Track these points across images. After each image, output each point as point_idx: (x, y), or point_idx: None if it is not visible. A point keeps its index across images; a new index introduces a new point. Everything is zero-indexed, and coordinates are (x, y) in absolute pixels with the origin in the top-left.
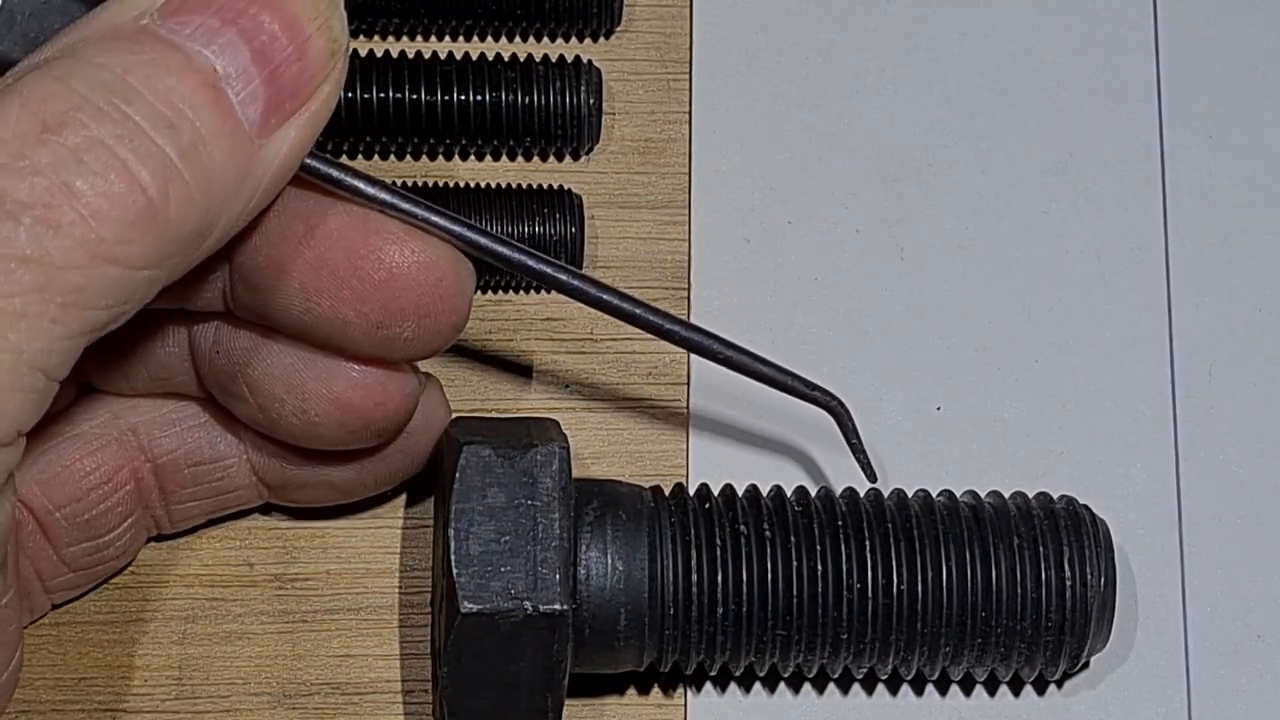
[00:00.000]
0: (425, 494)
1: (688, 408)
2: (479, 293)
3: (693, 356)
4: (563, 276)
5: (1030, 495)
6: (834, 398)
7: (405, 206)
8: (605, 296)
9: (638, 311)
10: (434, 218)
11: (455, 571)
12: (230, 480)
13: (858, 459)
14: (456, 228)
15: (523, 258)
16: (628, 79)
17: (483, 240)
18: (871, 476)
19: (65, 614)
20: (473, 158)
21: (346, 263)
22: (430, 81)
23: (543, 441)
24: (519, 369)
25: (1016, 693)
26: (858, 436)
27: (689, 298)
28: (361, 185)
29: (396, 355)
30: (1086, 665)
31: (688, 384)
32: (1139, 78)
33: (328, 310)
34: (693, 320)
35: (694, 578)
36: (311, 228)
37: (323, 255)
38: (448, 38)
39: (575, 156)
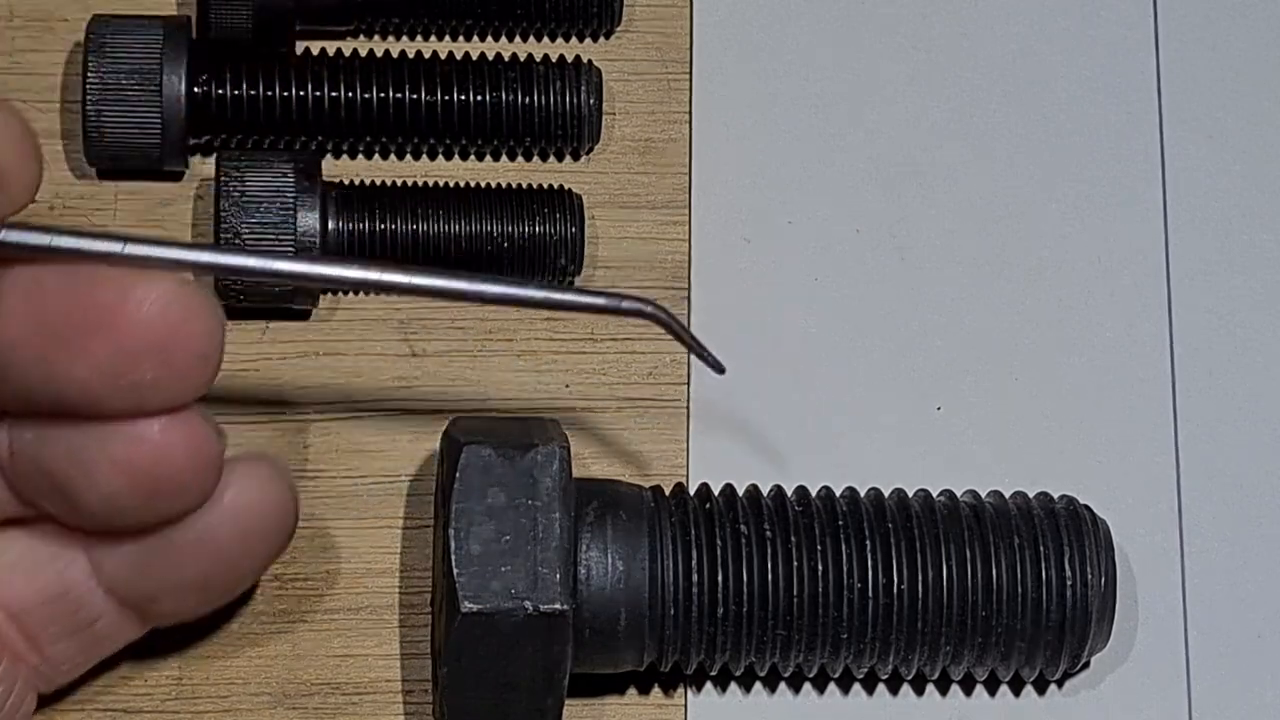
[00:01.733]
0: (425, 494)
1: (688, 408)
2: None
3: (693, 357)
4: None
5: (1030, 495)
6: (646, 302)
7: (108, 250)
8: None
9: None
10: (150, 252)
11: (455, 571)
12: (89, 609)
13: (696, 353)
14: (173, 254)
15: (258, 262)
16: (628, 79)
17: (202, 257)
18: (718, 367)
19: None
20: (473, 158)
21: (63, 317)
22: (430, 81)
23: (543, 441)
24: (519, 369)
25: (1016, 693)
26: (688, 331)
27: (689, 298)
28: (67, 243)
29: (153, 403)
30: (1087, 665)
31: (688, 384)
32: (1139, 78)
33: (64, 370)
34: (693, 321)
35: (694, 578)
36: (25, 294)
37: (40, 318)
38: (448, 38)
39: (575, 156)
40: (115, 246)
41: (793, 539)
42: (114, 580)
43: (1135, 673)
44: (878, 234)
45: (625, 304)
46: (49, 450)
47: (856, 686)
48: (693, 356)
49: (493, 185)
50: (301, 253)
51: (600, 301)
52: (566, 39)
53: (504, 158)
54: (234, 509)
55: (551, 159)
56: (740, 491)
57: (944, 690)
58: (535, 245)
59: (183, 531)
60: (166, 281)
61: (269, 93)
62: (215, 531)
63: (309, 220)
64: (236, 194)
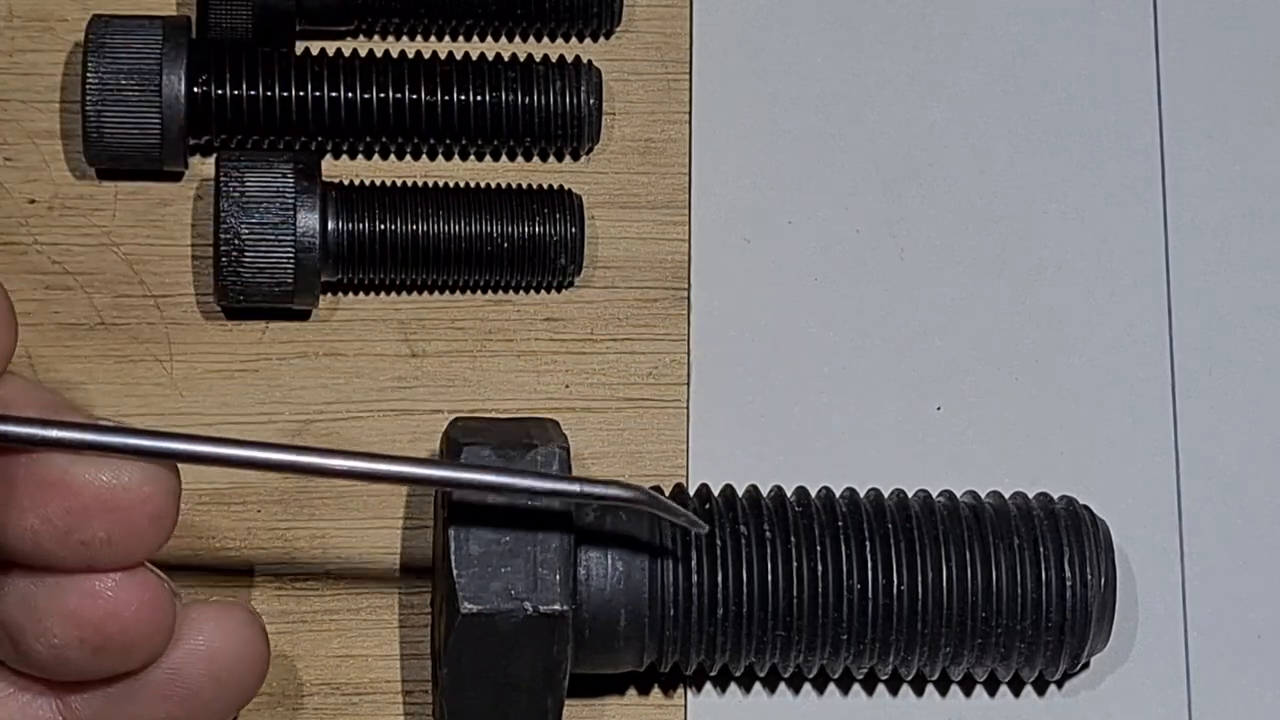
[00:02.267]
0: (425, 494)
1: (688, 408)
2: (480, 293)
3: (693, 356)
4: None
5: (1030, 495)
6: (631, 489)
7: (91, 439)
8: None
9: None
10: (113, 440)
11: (455, 572)
12: None
13: (679, 522)
14: (138, 442)
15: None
16: (628, 79)
17: (158, 444)
18: (701, 526)
19: None
20: (473, 158)
21: (20, 466)
22: (430, 81)
23: (543, 441)
24: (519, 369)
25: (1016, 693)
26: (669, 508)
27: (689, 298)
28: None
29: (105, 560)
30: (1087, 665)
31: (688, 384)
32: (1139, 78)
33: (15, 522)
34: (693, 321)
35: (694, 578)
36: None
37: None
38: (448, 38)
39: (575, 156)
40: (45, 432)
41: (792, 540)
42: (81, 718)
43: (1135, 673)
44: (878, 234)
45: (599, 490)
46: (2, 598)
47: (856, 687)
48: (692, 357)
49: (493, 185)
50: (270, 444)
51: (576, 489)
52: (566, 39)
53: (504, 158)
54: (207, 653)
55: (551, 159)
56: (740, 492)
57: (943, 691)
58: (535, 245)
59: (155, 672)
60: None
61: (269, 93)
62: (186, 674)
63: (309, 220)
64: (236, 194)
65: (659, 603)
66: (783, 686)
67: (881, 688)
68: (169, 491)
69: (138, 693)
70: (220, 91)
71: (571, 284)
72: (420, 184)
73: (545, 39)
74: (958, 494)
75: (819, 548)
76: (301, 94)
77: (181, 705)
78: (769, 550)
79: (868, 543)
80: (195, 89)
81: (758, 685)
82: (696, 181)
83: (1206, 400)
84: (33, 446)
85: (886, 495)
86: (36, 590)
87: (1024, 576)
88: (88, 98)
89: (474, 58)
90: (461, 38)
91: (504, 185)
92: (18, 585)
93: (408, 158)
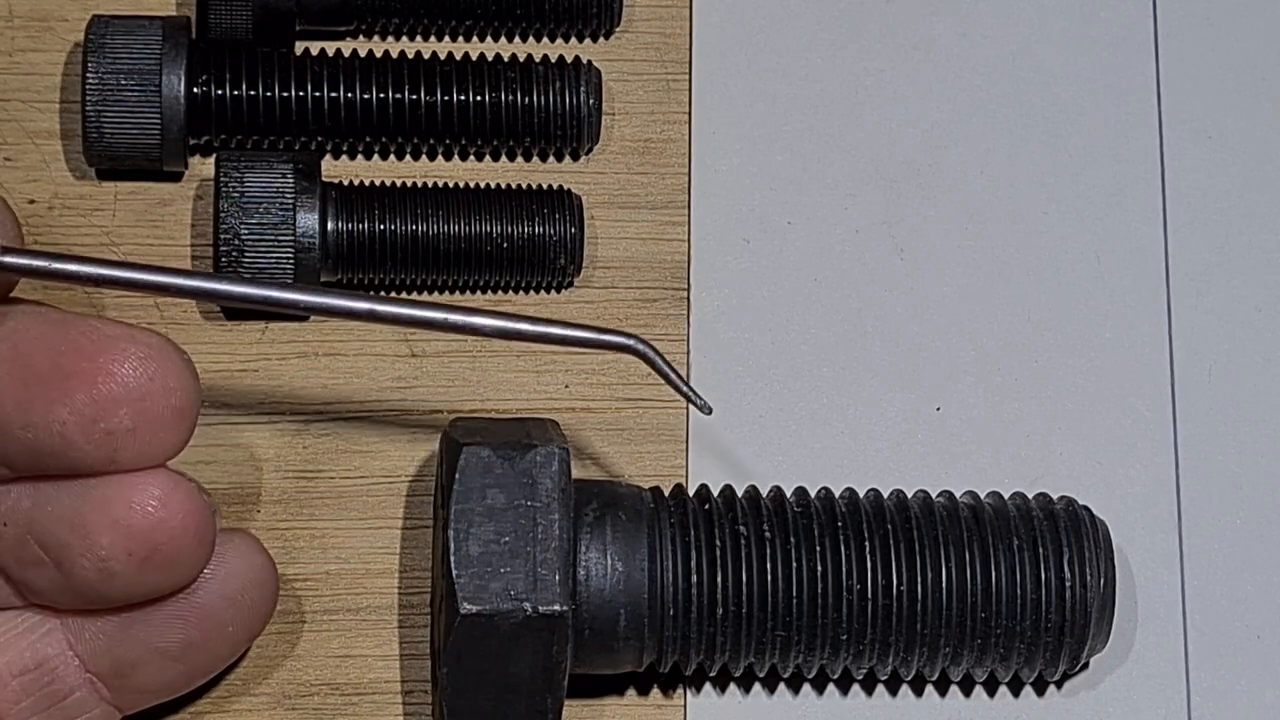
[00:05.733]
0: (425, 494)
1: (688, 408)
2: (480, 293)
3: (692, 357)
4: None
5: (1030, 496)
6: (630, 336)
7: (106, 274)
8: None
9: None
10: (145, 277)
11: (455, 572)
12: (63, 683)
13: (681, 392)
14: (167, 279)
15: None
16: (627, 79)
17: (195, 283)
18: (705, 408)
19: None
20: (473, 158)
21: (47, 361)
22: (430, 81)
23: (543, 442)
24: (518, 369)
25: (1016, 693)
26: (672, 368)
27: (689, 298)
28: (69, 267)
29: (129, 454)
30: (1086, 666)
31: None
32: (1139, 78)
33: (42, 415)
34: (693, 322)
35: (694, 579)
36: (7, 340)
37: (23, 362)
38: (448, 38)
39: (575, 157)
40: (114, 271)
41: (792, 540)
42: (93, 647)
43: (1135, 673)
44: (878, 234)
45: (612, 339)
46: (46, 514)
47: (856, 687)
48: (692, 357)
49: (493, 185)
50: (298, 282)
51: (587, 335)
52: (566, 39)
53: (504, 158)
54: (221, 573)
55: (551, 159)
56: (740, 492)
57: (943, 691)
58: (535, 245)
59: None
60: (148, 334)
61: (269, 93)
62: (200, 595)
63: (308, 220)
64: (236, 194)
65: (659, 603)
66: (782, 687)
67: (881, 688)
68: (191, 389)
69: (152, 615)
70: (220, 91)
71: (571, 284)
72: (420, 184)
73: (545, 39)
74: (957, 494)
75: (819, 548)
76: (301, 94)
77: (197, 628)
78: (769, 550)
79: (867, 543)
80: (195, 89)
81: (757, 685)
82: (696, 182)
83: (1206, 400)
84: (46, 277)
85: (886, 495)
86: (82, 503)
87: (1023, 577)
88: (88, 98)
89: (474, 58)
90: (461, 38)
91: (504, 185)
92: (61, 502)
93: (408, 158)
